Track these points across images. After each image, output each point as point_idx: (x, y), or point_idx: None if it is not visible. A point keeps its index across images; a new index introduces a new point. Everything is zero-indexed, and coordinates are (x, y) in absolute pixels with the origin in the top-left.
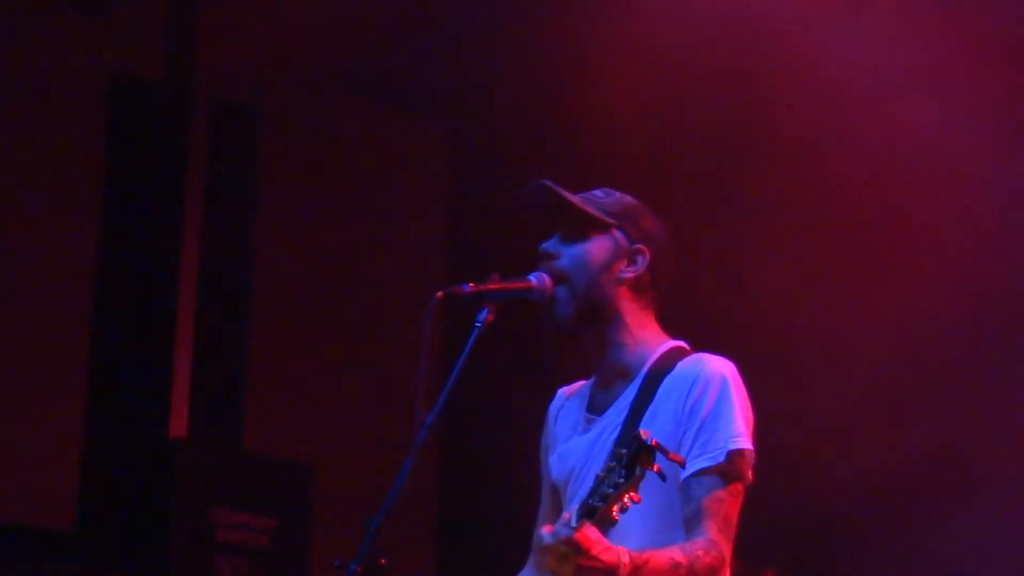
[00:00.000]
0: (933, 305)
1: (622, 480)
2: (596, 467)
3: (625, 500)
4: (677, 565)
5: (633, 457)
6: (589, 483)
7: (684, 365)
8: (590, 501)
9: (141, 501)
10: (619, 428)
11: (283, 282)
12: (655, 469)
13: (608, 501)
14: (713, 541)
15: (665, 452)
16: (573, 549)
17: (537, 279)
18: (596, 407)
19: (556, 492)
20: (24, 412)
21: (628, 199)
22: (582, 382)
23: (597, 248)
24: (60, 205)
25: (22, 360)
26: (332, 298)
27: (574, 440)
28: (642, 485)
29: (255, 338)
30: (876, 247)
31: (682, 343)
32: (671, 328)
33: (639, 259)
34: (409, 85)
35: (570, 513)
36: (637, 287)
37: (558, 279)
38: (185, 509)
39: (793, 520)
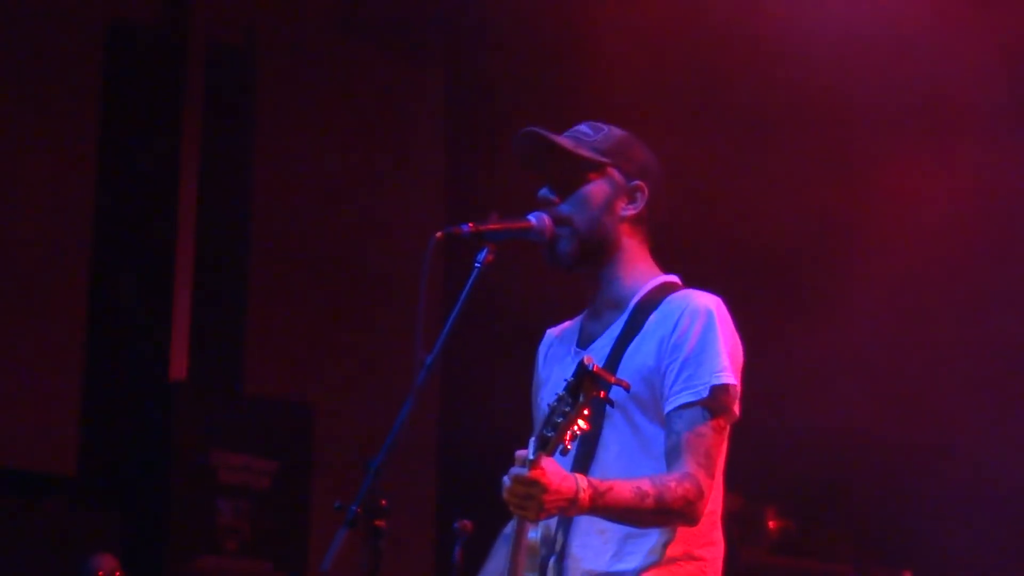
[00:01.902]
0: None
1: (568, 408)
2: None
3: (575, 428)
4: (644, 495)
5: (577, 384)
6: None
7: (672, 299)
8: (543, 432)
9: (141, 444)
10: (605, 358)
11: (281, 224)
12: (601, 395)
13: (559, 430)
14: (689, 474)
15: (607, 377)
16: (535, 488)
17: (536, 219)
18: (584, 340)
19: None
20: (24, 357)
21: (616, 132)
22: (569, 321)
23: (596, 189)
24: (57, 150)
25: (21, 305)
26: (330, 239)
27: (562, 372)
28: (621, 437)
29: (254, 280)
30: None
31: (673, 277)
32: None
33: (638, 196)
34: (404, 25)
35: (525, 450)
36: (637, 222)
37: (560, 222)
38: (185, 452)
39: (795, 458)
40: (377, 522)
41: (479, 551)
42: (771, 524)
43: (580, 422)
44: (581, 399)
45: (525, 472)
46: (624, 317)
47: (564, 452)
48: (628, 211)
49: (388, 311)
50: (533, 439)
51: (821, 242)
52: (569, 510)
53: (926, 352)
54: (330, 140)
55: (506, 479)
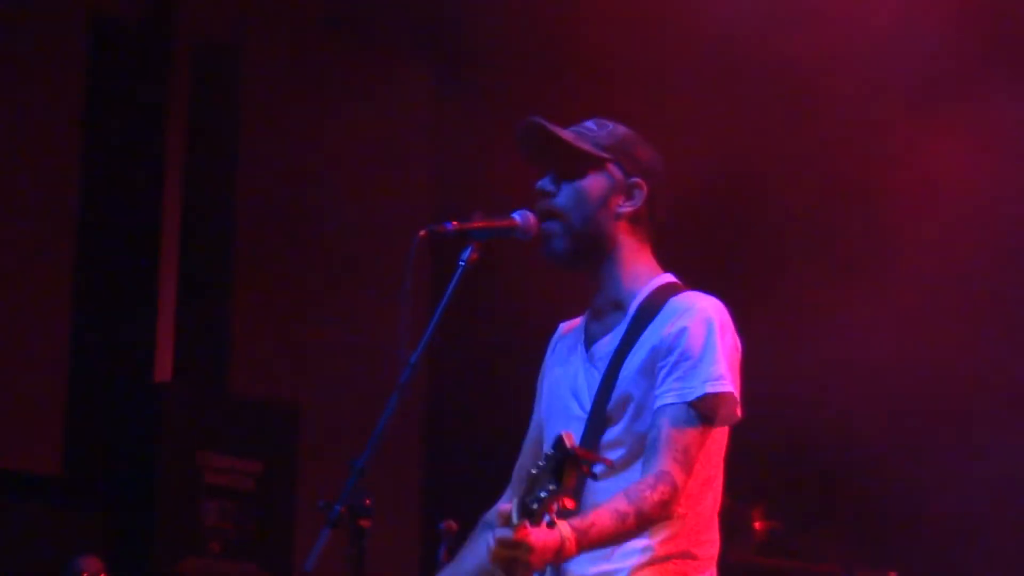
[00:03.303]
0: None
1: (553, 487)
2: (582, 397)
3: (561, 505)
4: (623, 516)
5: (559, 464)
6: (564, 421)
7: (673, 303)
8: (527, 500)
9: (127, 446)
10: (607, 362)
11: (267, 225)
12: (585, 471)
13: (542, 505)
14: (663, 472)
15: (589, 456)
16: (520, 550)
17: (521, 217)
18: (589, 340)
19: (541, 428)
20: (9, 358)
21: (621, 129)
22: (579, 318)
23: (593, 184)
24: (41, 148)
25: (5, 305)
26: (316, 240)
27: (564, 372)
28: (619, 438)
29: (239, 281)
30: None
31: (674, 279)
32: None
33: (636, 193)
34: (392, 23)
35: (509, 508)
36: (635, 221)
37: (554, 216)
38: (171, 453)
39: (782, 458)
40: (361, 521)
41: None
42: (757, 525)
43: (566, 501)
44: (564, 481)
45: (509, 534)
46: (626, 320)
47: (551, 526)
48: (625, 208)
49: (374, 311)
50: (515, 503)
51: (820, 244)
52: (557, 560)
53: (920, 353)
54: (316, 139)
55: (491, 539)
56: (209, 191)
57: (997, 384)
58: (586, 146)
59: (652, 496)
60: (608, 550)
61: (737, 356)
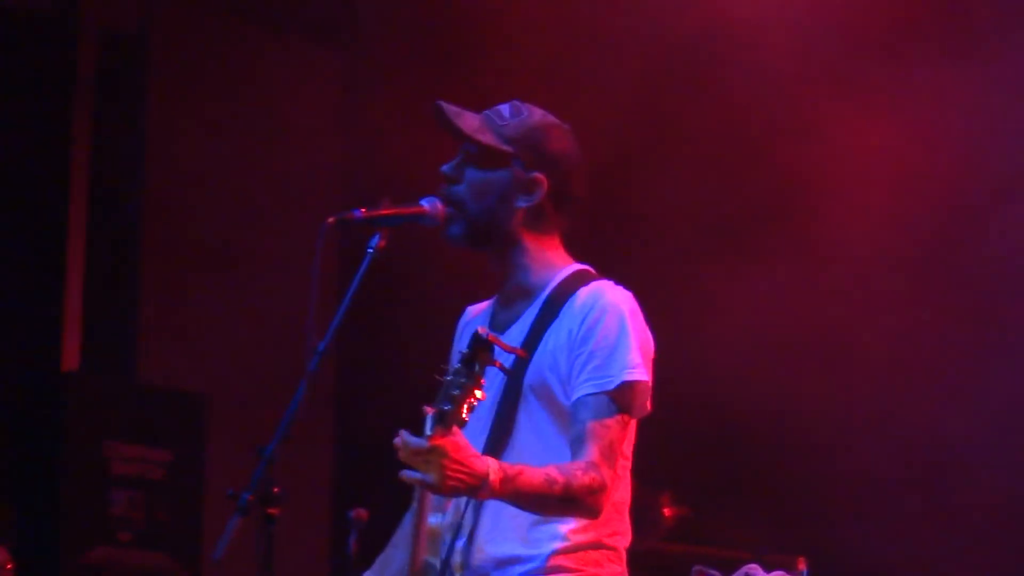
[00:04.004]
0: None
1: (464, 379)
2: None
3: (471, 399)
4: (552, 481)
5: (472, 354)
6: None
7: (583, 292)
8: (440, 406)
9: (33, 436)
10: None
11: (175, 213)
12: (496, 364)
13: (456, 403)
14: (594, 463)
15: (502, 345)
16: (434, 455)
17: (429, 204)
18: (498, 326)
19: None
20: None
21: (534, 119)
22: (487, 302)
23: (492, 177)
24: None
25: None
26: (224, 228)
27: None
28: (536, 421)
29: (147, 269)
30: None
31: (586, 267)
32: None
33: (535, 188)
34: (301, 10)
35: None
36: (536, 215)
37: (452, 203)
38: (78, 443)
39: (691, 444)
40: (270, 510)
41: (374, 540)
42: (666, 511)
43: (476, 392)
44: (476, 368)
45: (423, 443)
46: (536, 308)
47: (461, 424)
48: (522, 203)
49: (283, 299)
50: (430, 416)
51: (728, 222)
52: (478, 492)
53: (830, 341)
54: (224, 127)
55: (400, 445)
56: (116, 180)
57: (911, 364)
58: (487, 138)
59: (583, 478)
60: (522, 532)
61: (649, 348)
